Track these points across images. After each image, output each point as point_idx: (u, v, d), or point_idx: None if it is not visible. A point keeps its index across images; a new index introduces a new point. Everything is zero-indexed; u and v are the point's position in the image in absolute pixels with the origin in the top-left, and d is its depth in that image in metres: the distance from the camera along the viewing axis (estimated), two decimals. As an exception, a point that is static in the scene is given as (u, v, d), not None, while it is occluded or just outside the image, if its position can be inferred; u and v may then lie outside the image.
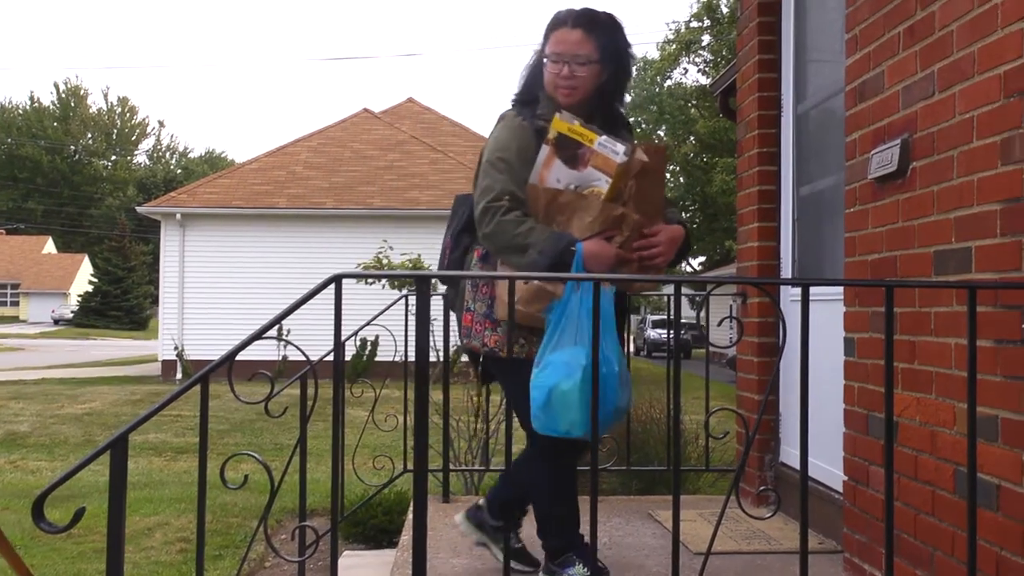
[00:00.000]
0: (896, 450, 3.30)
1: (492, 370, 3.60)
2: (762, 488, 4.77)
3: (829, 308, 4.13)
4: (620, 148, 3.24)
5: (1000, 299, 2.75)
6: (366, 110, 28.41)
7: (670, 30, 44.33)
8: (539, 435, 3.25)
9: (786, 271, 4.84)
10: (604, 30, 3.39)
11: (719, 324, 3.11)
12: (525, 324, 3.26)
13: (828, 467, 4.16)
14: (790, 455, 4.74)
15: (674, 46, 42.62)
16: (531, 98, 3.44)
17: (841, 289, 3.95)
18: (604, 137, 3.27)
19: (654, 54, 44.64)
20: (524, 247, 3.20)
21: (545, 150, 3.29)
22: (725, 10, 39.07)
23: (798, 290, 2.72)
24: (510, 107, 3.49)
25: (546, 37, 3.41)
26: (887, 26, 3.49)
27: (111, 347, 42.14)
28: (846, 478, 3.77)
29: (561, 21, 3.38)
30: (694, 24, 41.72)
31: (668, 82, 43.43)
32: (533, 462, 3.48)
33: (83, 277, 70.80)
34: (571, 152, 3.28)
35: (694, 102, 41.52)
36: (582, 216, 3.25)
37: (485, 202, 3.28)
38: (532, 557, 3.65)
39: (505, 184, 3.29)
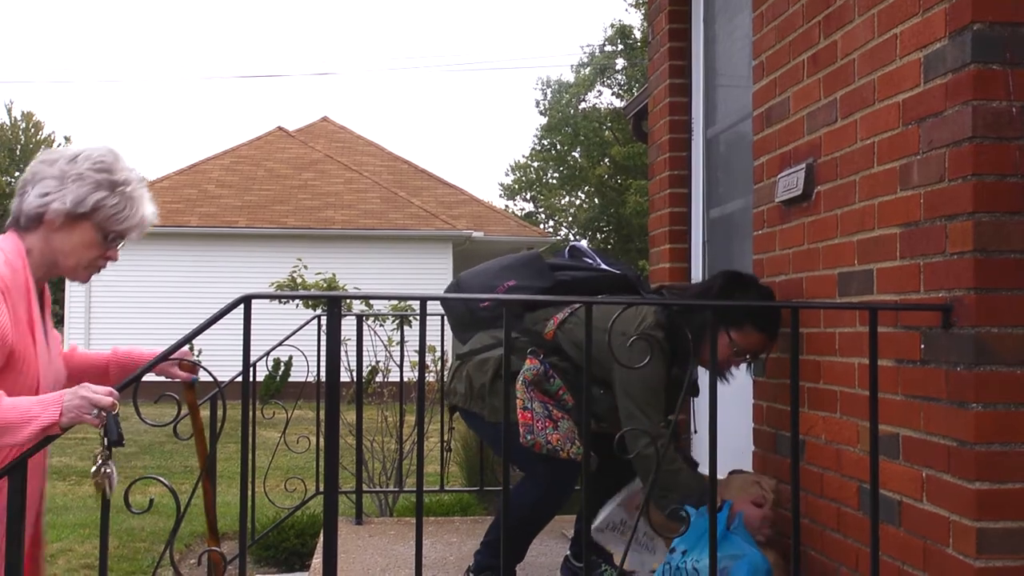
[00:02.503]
0: (803, 468, 3.36)
1: (526, 454, 3.56)
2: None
3: (738, 328, 4.20)
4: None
5: (900, 320, 2.83)
6: (280, 128, 28.12)
7: (584, 53, 44.87)
8: (546, 472, 3.45)
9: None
10: None
11: (630, 344, 3.14)
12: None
13: (737, 485, 4.22)
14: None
15: (588, 69, 43.08)
16: (679, 344, 3.43)
17: (750, 310, 4.02)
18: None
19: (569, 76, 45.09)
20: (672, 488, 3.34)
21: None
22: (638, 34, 39.64)
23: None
24: (662, 334, 3.45)
25: (741, 320, 3.36)
26: (792, 54, 3.58)
27: (13, 368, 40.86)
28: (755, 496, 3.83)
29: (771, 329, 3.41)
30: (608, 48, 42.25)
31: (583, 104, 43.83)
32: (527, 487, 3.56)
33: (-16, 296, 68.48)
34: None
35: (608, 124, 41.98)
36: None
37: (653, 425, 3.38)
38: None
39: (657, 415, 3.42)
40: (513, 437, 3.47)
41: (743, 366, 3.57)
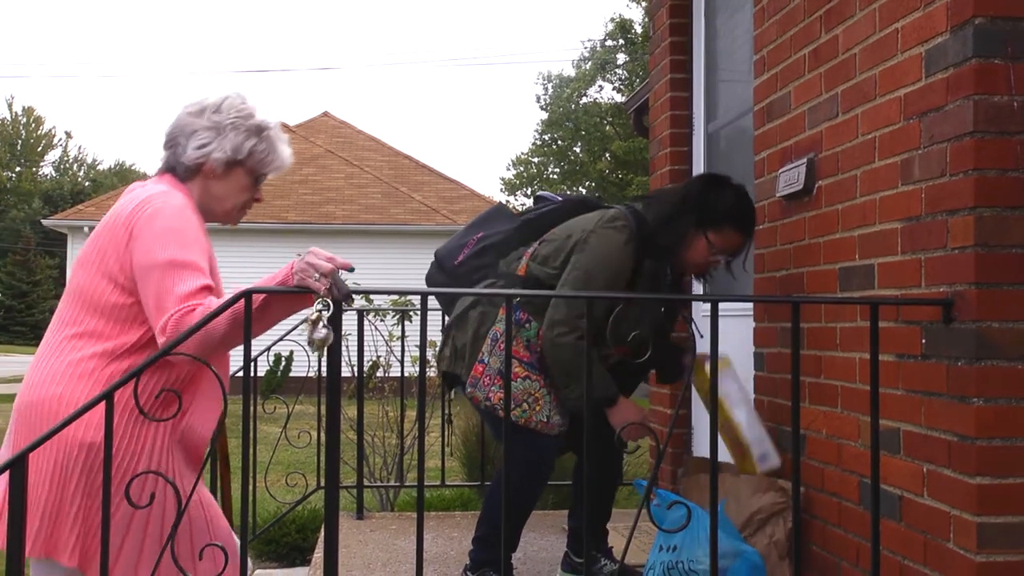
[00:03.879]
0: (803, 463, 3.36)
1: (487, 422, 3.65)
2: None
3: (740, 323, 4.20)
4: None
5: (901, 315, 2.83)
6: (282, 124, 28.01)
7: (585, 47, 44.79)
8: (514, 452, 3.35)
9: (698, 286, 4.91)
10: None
11: (631, 339, 3.13)
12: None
13: (738, 480, 4.22)
14: (702, 468, 4.79)
15: (589, 64, 43.03)
16: (655, 240, 3.44)
17: (751, 305, 4.03)
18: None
19: (570, 71, 45.02)
20: (578, 378, 3.27)
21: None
22: (639, 29, 39.60)
23: (708, 305, 2.76)
24: (623, 221, 3.45)
25: (719, 221, 3.41)
26: (793, 48, 3.57)
27: (15, 363, 40.89)
28: (755, 490, 3.82)
29: (748, 227, 3.47)
30: (608, 43, 42.20)
31: (584, 99, 43.77)
32: (505, 477, 3.53)
33: (-15, 291, 68.55)
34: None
35: (609, 119, 41.95)
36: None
37: (570, 315, 3.31)
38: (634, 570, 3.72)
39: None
40: (495, 415, 3.50)
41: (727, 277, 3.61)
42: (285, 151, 2.88)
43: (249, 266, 21.58)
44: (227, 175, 2.76)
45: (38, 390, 2.57)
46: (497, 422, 3.48)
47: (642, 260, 3.43)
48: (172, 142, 2.75)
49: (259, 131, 2.79)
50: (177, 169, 2.75)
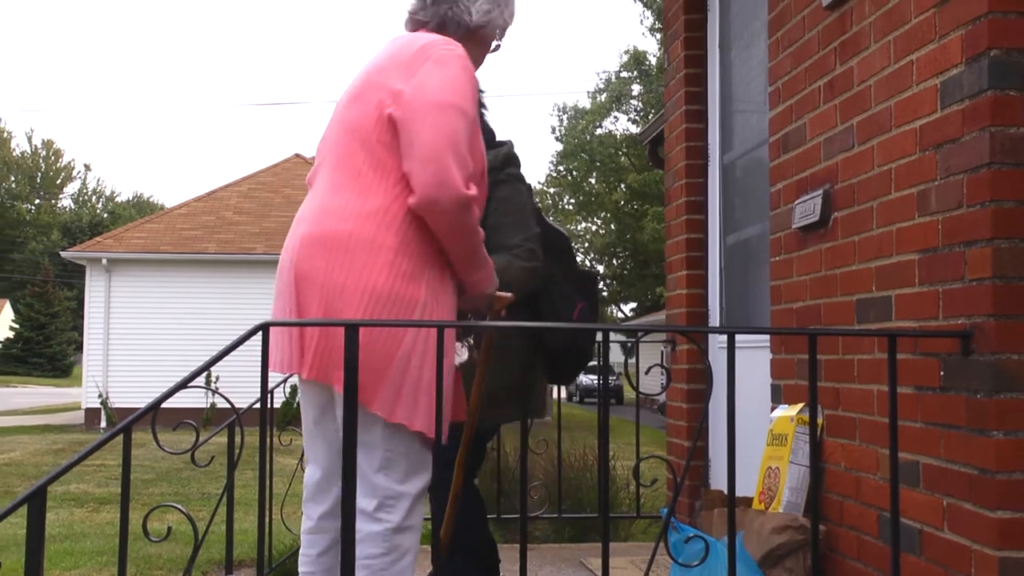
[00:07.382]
0: (822, 496, 3.34)
1: None
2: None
3: (756, 355, 4.18)
4: None
5: (920, 347, 2.81)
6: (297, 155, 28.22)
7: (600, 79, 44.99)
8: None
9: (714, 318, 4.90)
10: None
11: (647, 372, 3.13)
12: None
13: (756, 513, 4.19)
14: (719, 501, 4.76)
15: (604, 96, 43.23)
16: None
17: (768, 336, 4.01)
18: None
19: (585, 102, 45.24)
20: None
21: None
22: (653, 60, 39.78)
23: (725, 337, 2.75)
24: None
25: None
26: (808, 80, 3.58)
27: (33, 395, 41.07)
28: (774, 523, 3.80)
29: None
30: (624, 74, 42.41)
31: (599, 130, 43.94)
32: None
33: (4, 323, 69.00)
34: None
35: (624, 150, 42.08)
36: None
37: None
38: None
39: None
40: None
41: None
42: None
43: (268, 297, 21.65)
44: (484, 39, 2.73)
45: (329, 224, 2.64)
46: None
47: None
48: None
49: None
50: (448, 27, 2.67)
